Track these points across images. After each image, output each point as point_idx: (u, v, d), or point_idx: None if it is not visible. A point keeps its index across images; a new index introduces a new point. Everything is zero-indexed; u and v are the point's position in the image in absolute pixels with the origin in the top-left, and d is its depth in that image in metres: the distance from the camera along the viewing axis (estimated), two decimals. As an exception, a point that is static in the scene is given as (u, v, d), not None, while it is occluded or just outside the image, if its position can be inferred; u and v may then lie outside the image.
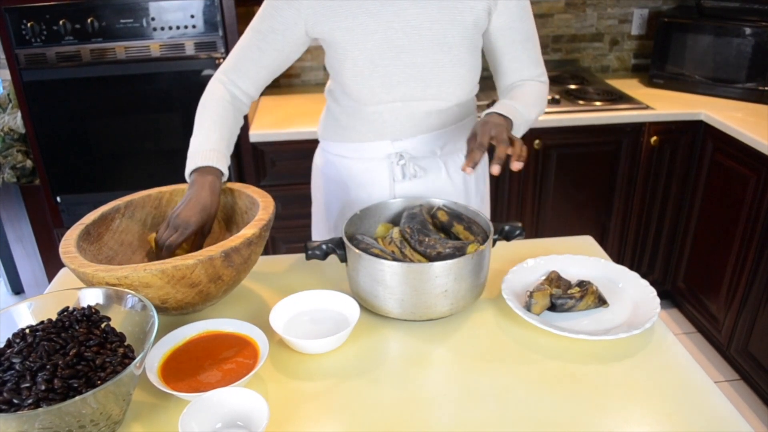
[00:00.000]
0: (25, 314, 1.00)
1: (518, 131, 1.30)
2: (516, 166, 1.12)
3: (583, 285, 1.17)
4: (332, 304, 1.14)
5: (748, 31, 2.49)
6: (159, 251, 1.18)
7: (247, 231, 1.09)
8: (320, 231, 1.60)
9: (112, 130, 2.28)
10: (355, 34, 1.27)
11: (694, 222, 2.60)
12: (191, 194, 1.20)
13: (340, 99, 1.41)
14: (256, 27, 1.32)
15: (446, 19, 1.27)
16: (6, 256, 2.93)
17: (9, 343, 0.92)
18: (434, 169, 1.43)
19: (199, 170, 1.23)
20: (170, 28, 2.16)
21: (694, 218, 2.60)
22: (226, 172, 1.27)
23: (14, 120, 2.51)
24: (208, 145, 1.26)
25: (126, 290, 0.99)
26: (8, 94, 2.61)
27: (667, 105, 2.54)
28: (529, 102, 1.33)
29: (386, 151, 1.41)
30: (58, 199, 2.34)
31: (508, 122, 1.24)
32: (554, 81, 2.83)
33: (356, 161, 1.44)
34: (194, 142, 1.29)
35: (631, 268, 2.76)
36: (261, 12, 1.32)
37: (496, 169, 1.11)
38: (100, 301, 1.01)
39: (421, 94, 1.32)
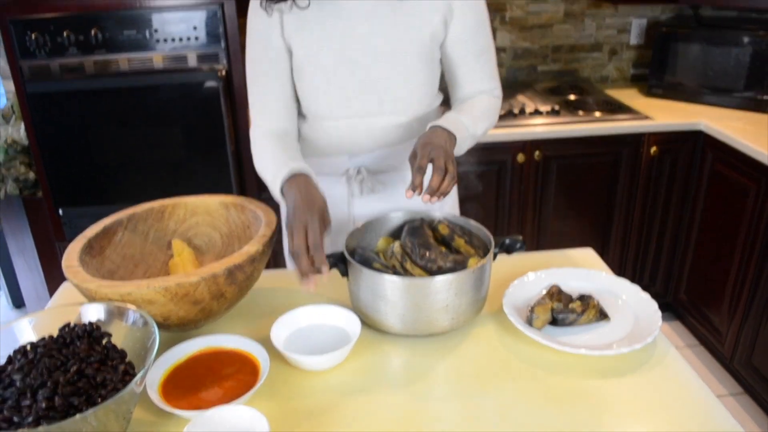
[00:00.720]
0: (27, 330, 1.01)
1: (462, 147, 1.24)
2: (430, 200, 1.08)
3: (584, 299, 1.17)
4: (333, 319, 1.14)
5: (746, 40, 2.50)
6: (300, 260, 1.05)
7: (251, 248, 1.09)
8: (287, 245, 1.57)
9: (115, 142, 2.29)
10: (310, 49, 1.27)
11: (695, 232, 2.60)
12: (295, 198, 1.11)
13: (302, 112, 1.40)
14: (252, 56, 1.31)
15: (401, 34, 1.26)
16: (7, 269, 2.93)
17: (10, 360, 0.92)
18: (393, 184, 1.42)
19: (288, 181, 1.17)
20: (173, 39, 2.17)
21: (695, 229, 2.60)
22: (313, 174, 1.20)
23: (17, 132, 2.52)
24: (282, 167, 1.19)
25: (128, 306, 0.99)
26: (12, 106, 2.62)
27: (666, 115, 2.55)
28: (477, 116, 1.30)
29: (344, 166, 1.40)
30: (61, 211, 2.35)
31: (451, 138, 1.19)
32: (553, 92, 2.84)
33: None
34: (268, 177, 1.23)
35: (633, 279, 2.76)
36: (248, 39, 1.31)
37: (426, 198, 1.08)
38: (102, 316, 1.01)
39: (377, 108, 1.32)
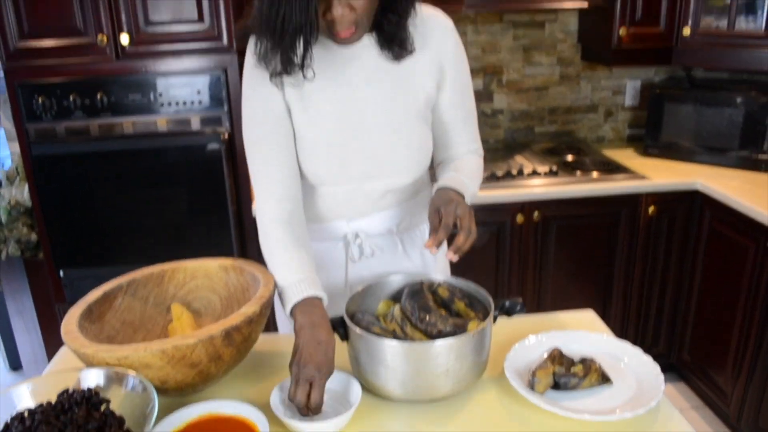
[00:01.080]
0: (25, 395, 1.00)
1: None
2: (453, 258, 1.14)
3: (585, 362, 1.16)
4: (334, 385, 1.13)
5: (738, 100, 2.55)
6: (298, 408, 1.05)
7: (248, 308, 1.09)
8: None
9: (118, 204, 2.31)
10: (309, 116, 1.28)
11: (696, 292, 2.59)
12: (305, 340, 1.08)
13: None
14: (252, 122, 1.28)
15: (399, 100, 1.29)
16: (5, 331, 2.90)
17: (7, 427, 0.91)
18: (390, 247, 1.43)
19: (298, 307, 1.14)
20: (177, 103, 2.22)
21: (695, 288, 2.59)
22: (323, 294, 1.17)
23: (21, 193, 2.55)
24: (294, 275, 1.17)
25: (127, 371, 0.98)
26: (16, 168, 2.66)
27: (663, 175, 2.58)
28: (472, 176, 1.35)
29: (342, 231, 1.41)
30: (61, 272, 2.35)
31: (462, 198, 1.24)
32: (551, 152, 2.88)
33: (313, 242, 1.37)
34: (279, 278, 1.19)
35: (635, 339, 2.74)
36: (246, 104, 1.29)
37: (451, 255, 1.13)
38: (101, 381, 1.00)
39: (376, 173, 1.33)
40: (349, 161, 1.31)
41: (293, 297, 1.14)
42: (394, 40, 1.23)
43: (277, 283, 1.19)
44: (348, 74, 1.27)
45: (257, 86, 1.26)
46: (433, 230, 1.17)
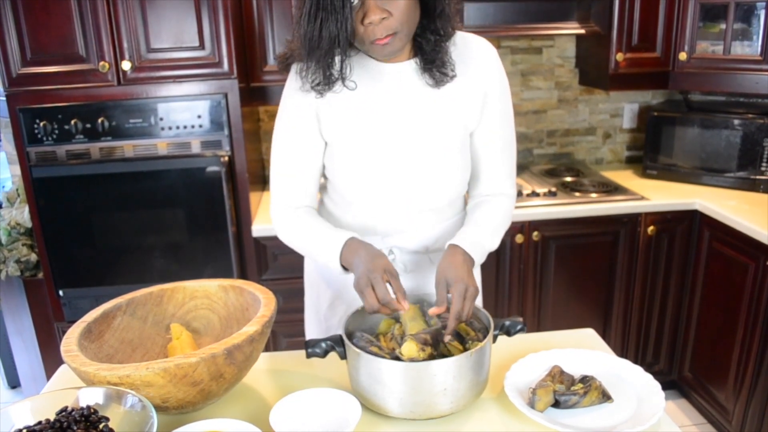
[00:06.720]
0: (24, 413, 1.00)
1: (477, 266, 1.34)
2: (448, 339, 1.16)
3: (586, 380, 1.16)
4: (333, 403, 1.13)
5: (736, 122, 2.58)
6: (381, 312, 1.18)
7: (250, 328, 1.10)
8: (311, 322, 1.58)
9: (118, 225, 2.31)
10: (351, 136, 1.30)
11: (697, 310, 2.59)
12: (365, 258, 1.20)
13: (332, 195, 1.43)
14: (284, 127, 1.35)
15: (439, 124, 1.30)
16: (4, 349, 2.90)
17: (6, 446, 0.91)
18: (423, 265, 1.43)
19: (345, 248, 1.25)
20: (177, 127, 2.24)
21: (696, 307, 2.59)
22: (356, 234, 1.29)
23: (21, 214, 2.56)
24: (332, 241, 1.28)
25: (126, 390, 0.98)
26: (17, 189, 2.67)
27: (662, 195, 2.59)
28: (495, 230, 1.35)
29: (377, 246, 1.42)
30: (61, 292, 2.35)
31: (470, 262, 1.25)
32: (550, 174, 2.90)
33: None
34: (313, 249, 1.32)
35: (636, 357, 2.73)
36: (282, 113, 1.35)
37: (448, 339, 1.15)
38: (100, 400, 1.00)
39: (414, 194, 1.34)
40: (387, 182, 1.33)
41: (336, 246, 1.26)
42: (435, 63, 1.24)
43: (314, 251, 1.32)
44: (389, 97, 1.29)
45: (295, 100, 1.31)
46: (440, 302, 1.19)
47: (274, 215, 1.39)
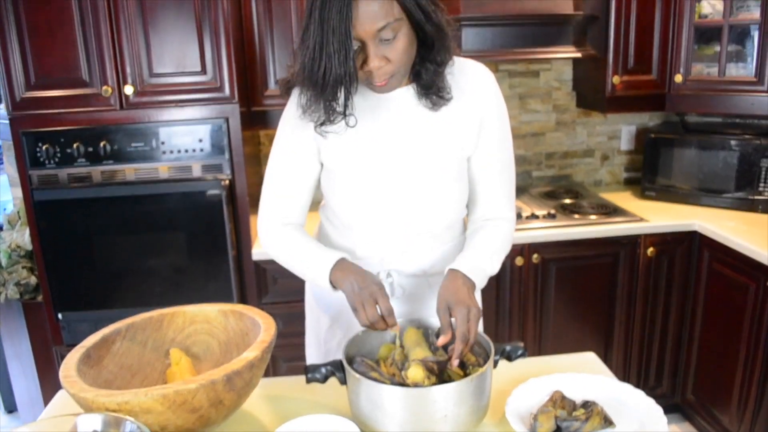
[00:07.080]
0: (21, 442, 0.99)
1: (478, 289, 1.32)
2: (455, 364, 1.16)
3: (587, 406, 1.15)
4: (333, 430, 1.12)
5: (732, 143, 2.59)
6: (377, 326, 1.21)
7: (249, 354, 1.09)
8: (312, 345, 1.58)
9: (118, 248, 2.32)
10: (352, 162, 1.32)
11: (698, 332, 2.58)
12: (355, 277, 1.23)
13: (331, 217, 1.44)
14: (282, 149, 1.37)
15: (437, 148, 1.31)
16: (2, 373, 2.88)
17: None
18: (422, 288, 1.43)
19: (335, 269, 1.27)
20: (179, 151, 2.25)
21: (697, 328, 2.58)
22: (345, 255, 1.30)
23: (22, 237, 2.56)
24: (323, 260, 1.29)
25: (124, 417, 0.98)
26: (18, 212, 2.68)
27: (661, 216, 2.60)
28: (494, 255, 1.35)
29: (375, 269, 1.41)
30: (60, 315, 2.34)
31: (471, 286, 1.25)
32: (549, 196, 2.91)
33: None
34: (299, 267, 1.34)
35: (638, 379, 2.71)
36: (282, 140, 1.37)
37: (455, 365, 1.15)
38: (98, 427, 0.99)
39: (412, 218, 1.35)
40: (386, 207, 1.34)
41: (326, 265, 1.27)
42: (432, 88, 1.26)
43: (301, 270, 1.34)
44: (387, 122, 1.30)
45: (292, 131, 1.34)
46: (444, 329, 1.18)
47: (262, 229, 1.41)
